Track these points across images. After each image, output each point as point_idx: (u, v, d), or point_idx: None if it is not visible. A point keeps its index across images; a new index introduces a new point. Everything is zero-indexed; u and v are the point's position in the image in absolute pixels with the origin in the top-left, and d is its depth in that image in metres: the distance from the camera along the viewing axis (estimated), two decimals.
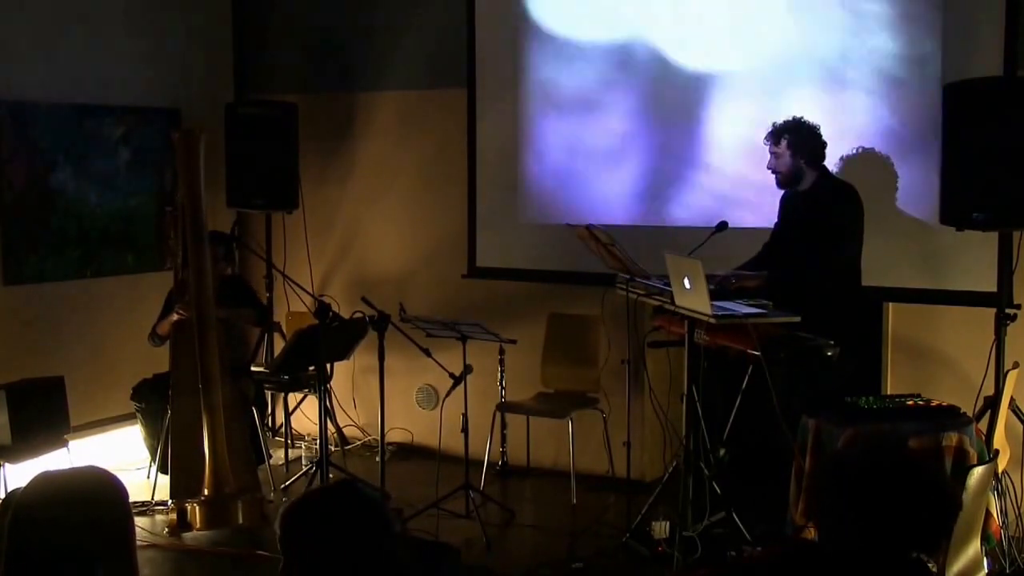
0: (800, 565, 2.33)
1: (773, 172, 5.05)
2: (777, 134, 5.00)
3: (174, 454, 5.29)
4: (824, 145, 5.01)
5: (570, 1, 6.17)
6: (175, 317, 5.54)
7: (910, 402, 4.43)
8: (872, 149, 5.41)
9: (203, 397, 5.14)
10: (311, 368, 5.93)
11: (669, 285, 4.65)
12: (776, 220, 5.22)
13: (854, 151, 5.40)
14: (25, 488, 2.24)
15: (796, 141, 4.96)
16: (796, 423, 4.36)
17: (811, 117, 5.05)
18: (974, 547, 3.98)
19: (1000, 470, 4.52)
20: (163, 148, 6.50)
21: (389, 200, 6.90)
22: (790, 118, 5.02)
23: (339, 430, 6.75)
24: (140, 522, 5.11)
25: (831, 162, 5.18)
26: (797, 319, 4.47)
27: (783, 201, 5.17)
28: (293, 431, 6.86)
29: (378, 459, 5.53)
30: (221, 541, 5.18)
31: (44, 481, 2.25)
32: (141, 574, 2.40)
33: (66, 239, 6.28)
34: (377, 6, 6.83)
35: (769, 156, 5.04)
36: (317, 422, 5.48)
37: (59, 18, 6.20)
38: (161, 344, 5.72)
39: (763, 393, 4.38)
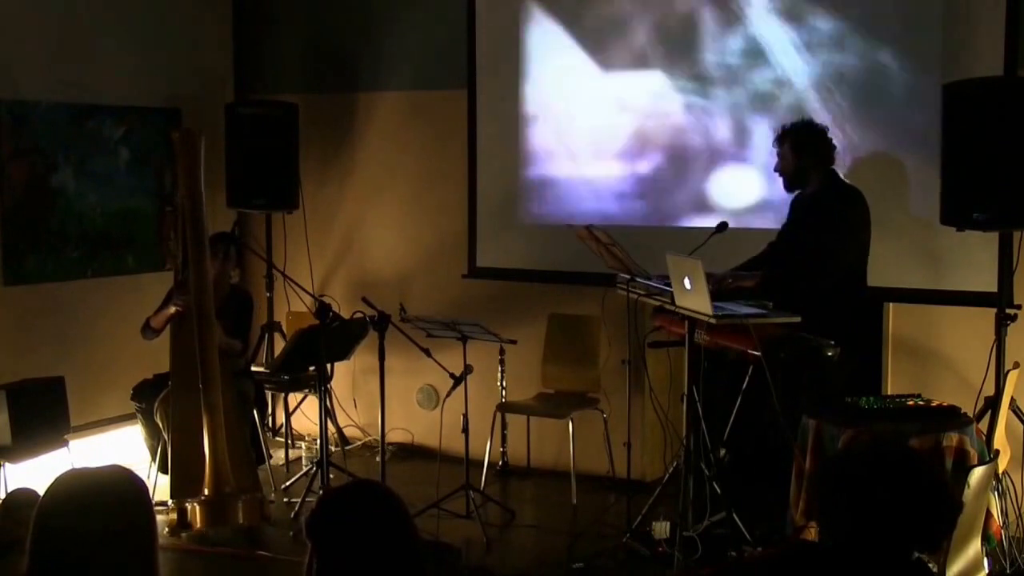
0: (800, 565, 2.33)
1: (779, 174, 5.07)
2: (781, 137, 5.01)
3: (174, 454, 5.29)
4: (831, 148, 5.01)
5: (570, 2, 6.18)
6: (172, 310, 5.52)
7: (910, 402, 4.43)
8: (872, 149, 5.41)
9: (203, 397, 5.14)
10: (311, 368, 5.92)
11: (669, 285, 4.65)
12: (785, 221, 5.22)
13: (854, 151, 5.39)
14: (51, 486, 2.23)
15: (799, 143, 4.97)
16: (796, 423, 4.35)
17: (811, 118, 5.05)
18: (974, 547, 3.98)
19: (1000, 470, 4.52)
20: (163, 148, 6.49)
21: (389, 200, 6.90)
22: (798, 120, 5.04)
23: (339, 430, 6.74)
24: None
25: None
26: (797, 319, 4.47)
27: (792, 203, 5.17)
28: (293, 431, 6.86)
29: (378, 459, 5.53)
30: (221, 541, 5.18)
31: (70, 480, 2.24)
32: None
33: (66, 239, 6.27)
34: (377, 6, 6.83)
35: (777, 158, 5.05)
36: (317, 422, 5.47)
37: (59, 18, 6.20)
38: (154, 337, 5.67)
39: (763, 393, 4.38)
